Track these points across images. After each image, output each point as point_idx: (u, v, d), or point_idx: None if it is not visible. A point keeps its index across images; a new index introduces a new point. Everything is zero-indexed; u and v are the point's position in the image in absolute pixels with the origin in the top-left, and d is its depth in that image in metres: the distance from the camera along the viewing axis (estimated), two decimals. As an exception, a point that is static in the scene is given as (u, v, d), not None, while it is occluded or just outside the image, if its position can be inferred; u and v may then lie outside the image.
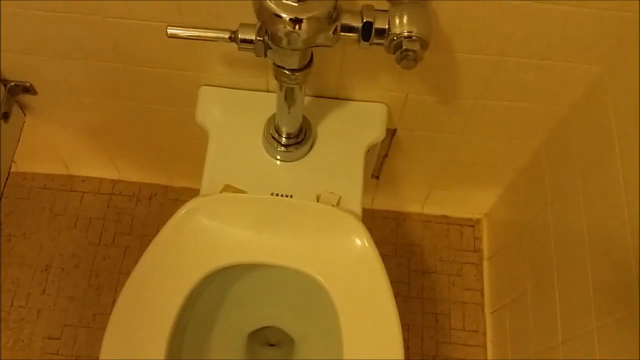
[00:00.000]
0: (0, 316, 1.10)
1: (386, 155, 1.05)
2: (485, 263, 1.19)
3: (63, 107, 0.99)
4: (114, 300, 1.12)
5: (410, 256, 1.19)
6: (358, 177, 0.82)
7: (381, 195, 1.18)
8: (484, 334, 1.13)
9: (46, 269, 1.15)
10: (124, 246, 1.17)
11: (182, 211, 0.78)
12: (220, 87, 0.88)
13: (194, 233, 0.77)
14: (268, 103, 0.85)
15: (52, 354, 1.08)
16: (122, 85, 0.91)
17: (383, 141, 0.96)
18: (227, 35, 0.65)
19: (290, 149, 0.81)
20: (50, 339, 1.09)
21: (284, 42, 0.60)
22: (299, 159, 0.83)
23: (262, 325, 0.92)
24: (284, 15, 0.57)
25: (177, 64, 0.84)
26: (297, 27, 0.57)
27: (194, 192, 0.79)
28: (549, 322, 0.87)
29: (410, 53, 0.60)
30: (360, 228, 0.76)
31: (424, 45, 0.61)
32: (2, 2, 0.75)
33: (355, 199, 0.80)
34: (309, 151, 0.83)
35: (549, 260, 0.89)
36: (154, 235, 0.77)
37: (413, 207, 1.23)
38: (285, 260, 0.76)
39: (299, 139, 0.82)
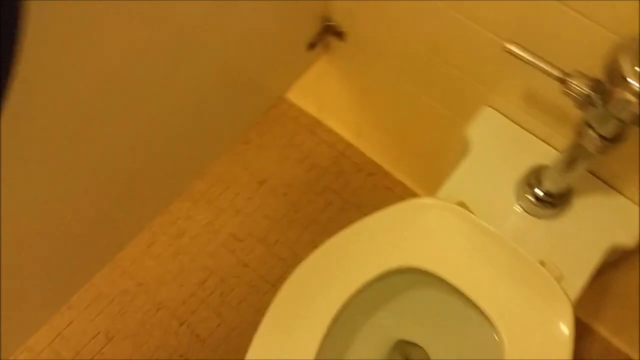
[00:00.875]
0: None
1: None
2: None
3: (356, 64, 1.07)
4: (297, 240, 1.22)
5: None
6: (588, 267, 0.79)
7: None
8: None
9: (261, 183, 1.27)
10: (328, 201, 1.25)
11: (416, 201, 0.81)
12: (502, 114, 0.89)
13: (414, 225, 0.80)
14: (539, 153, 0.84)
15: (229, 249, 1.20)
16: (417, 70, 0.96)
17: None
18: (558, 74, 0.65)
19: (539, 204, 0.80)
20: (234, 237, 1.21)
21: (615, 108, 0.60)
22: (540, 218, 0.82)
23: (411, 341, 0.93)
24: (633, 83, 0.56)
25: (477, 74, 0.87)
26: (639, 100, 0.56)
27: (408, 191, 0.82)
28: None
29: None
30: (569, 317, 0.73)
31: None
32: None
33: (574, 286, 0.77)
34: (554, 216, 0.82)
35: None
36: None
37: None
38: (481, 297, 0.76)
39: (553, 201, 0.80)
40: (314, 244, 1.22)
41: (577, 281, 0.78)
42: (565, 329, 0.73)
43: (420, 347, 0.96)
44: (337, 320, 0.78)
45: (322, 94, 1.26)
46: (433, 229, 0.81)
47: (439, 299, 0.88)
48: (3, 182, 0.64)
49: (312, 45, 1.04)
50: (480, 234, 0.80)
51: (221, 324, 1.13)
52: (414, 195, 1.24)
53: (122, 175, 0.90)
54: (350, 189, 1.27)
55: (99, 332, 1.12)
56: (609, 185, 0.84)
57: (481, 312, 0.77)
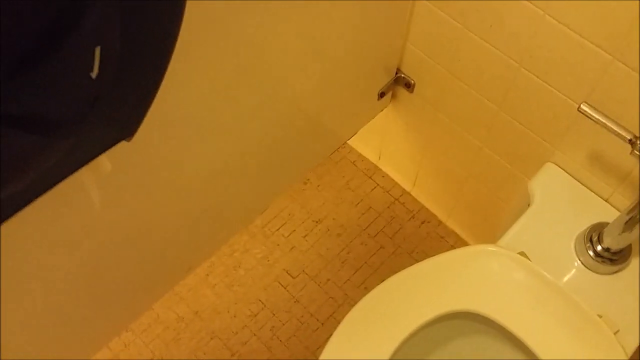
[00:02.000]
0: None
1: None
2: None
3: (420, 113, 1.12)
4: (348, 280, 1.25)
5: None
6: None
7: None
8: None
9: (317, 222, 1.31)
10: (380, 244, 1.29)
11: (477, 247, 0.84)
12: (566, 171, 0.92)
13: (474, 270, 0.82)
14: (600, 211, 0.87)
15: (281, 285, 1.24)
16: (482, 124, 1.01)
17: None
18: (628, 136, 0.69)
19: (599, 260, 0.82)
20: (287, 273, 1.25)
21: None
22: (599, 273, 0.83)
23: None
24: None
25: (544, 132, 0.90)
26: None
27: (461, 241, 0.84)
28: None
29: None
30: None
31: None
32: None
33: (630, 341, 0.78)
34: (613, 273, 0.83)
35: None
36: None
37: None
38: (537, 345, 0.78)
39: (613, 258, 0.82)
40: (364, 286, 1.25)
41: (633, 337, 0.79)
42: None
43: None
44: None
45: (382, 141, 1.31)
46: (493, 275, 0.83)
47: (493, 347, 0.89)
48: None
49: (382, 95, 1.10)
50: (539, 284, 0.82)
51: (270, 358, 1.16)
52: (466, 245, 1.26)
53: (194, 209, 0.95)
54: (402, 235, 1.30)
55: (153, 357, 1.16)
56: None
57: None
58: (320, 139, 1.10)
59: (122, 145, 0.52)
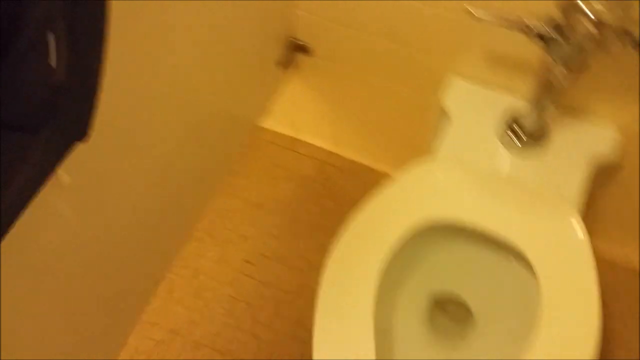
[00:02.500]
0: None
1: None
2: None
3: (324, 73, 1.17)
4: (307, 249, 1.28)
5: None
6: (582, 186, 0.89)
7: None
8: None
9: (257, 207, 1.33)
10: (324, 207, 1.33)
11: (417, 166, 0.90)
12: (469, 78, 1.00)
13: (426, 185, 0.88)
14: (511, 104, 0.96)
15: (246, 275, 1.25)
16: (381, 62, 1.07)
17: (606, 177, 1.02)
18: (519, 25, 0.76)
19: (523, 145, 0.91)
20: (247, 262, 1.26)
21: (576, 41, 0.71)
22: (528, 157, 0.92)
23: (446, 295, 1.00)
24: (589, 15, 0.68)
25: (437, 48, 0.98)
26: (597, 29, 0.68)
27: None
28: None
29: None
30: (580, 223, 0.83)
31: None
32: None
33: (576, 204, 0.88)
34: (539, 152, 0.92)
35: None
36: (351, 205, 0.90)
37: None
38: (506, 231, 0.85)
39: (535, 140, 0.91)
40: (323, 248, 1.28)
41: (577, 199, 0.88)
42: (581, 234, 0.82)
43: (458, 299, 1.03)
44: (381, 286, 0.84)
45: (293, 113, 1.35)
46: (440, 183, 0.89)
47: (466, 249, 0.97)
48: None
49: (282, 65, 1.13)
50: (485, 180, 0.89)
51: (260, 343, 1.17)
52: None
53: (130, 236, 0.94)
54: (341, 192, 1.35)
55: (145, 386, 1.14)
56: (579, 113, 0.96)
57: (507, 249, 0.86)
58: (230, 127, 1.12)
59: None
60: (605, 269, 1.24)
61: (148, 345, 1.17)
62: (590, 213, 1.18)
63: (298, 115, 1.35)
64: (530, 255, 0.83)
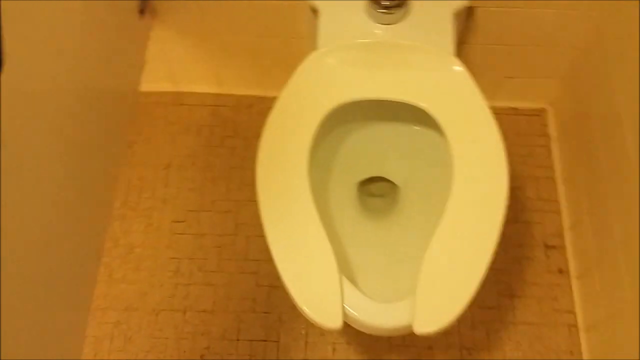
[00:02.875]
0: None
1: (462, 40, 1.19)
2: (553, 144, 1.32)
3: (189, 14, 1.16)
4: (229, 189, 1.30)
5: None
6: (450, 33, 0.97)
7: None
8: (557, 201, 1.26)
9: (167, 168, 1.32)
10: (231, 146, 1.34)
11: (306, 61, 0.94)
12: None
13: (323, 74, 0.92)
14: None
15: (179, 233, 1.25)
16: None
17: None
18: None
19: (389, 12, 0.97)
20: (176, 222, 1.27)
21: None
22: (398, 21, 0.98)
23: (371, 175, 1.07)
24: None
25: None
26: None
27: None
28: (628, 189, 0.98)
29: None
30: (456, 60, 0.91)
31: None
32: None
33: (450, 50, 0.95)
34: (403, 16, 0.98)
35: (620, 134, 1.00)
36: (256, 136, 0.93)
37: (484, 102, 1.36)
38: (394, 93, 0.91)
39: (398, 5, 0.97)
40: (243, 184, 1.31)
41: (448, 44, 0.96)
42: (468, 79, 0.91)
43: (383, 176, 1.10)
44: (313, 178, 0.89)
45: (168, 67, 1.33)
46: (336, 68, 0.94)
47: (378, 125, 1.03)
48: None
49: (142, 12, 1.11)
50: (369, 54, 0.94)
51: (215, 289, 1.19)
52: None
53: (51, 235, 0.91)
54: (242, 128, 1.37)
55: (119, 369, 1.13)
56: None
57: (413, 114, 0.93)
58: (115, 98, 1.09)
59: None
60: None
61: (107, 329, 1.16)
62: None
63: (173, 67, 1.34)
64: (433, 111, 0.90)
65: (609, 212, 1.04)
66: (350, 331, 0.98)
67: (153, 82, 1.39)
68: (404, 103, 0.92)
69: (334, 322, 0.76)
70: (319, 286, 0.79)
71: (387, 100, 0.93)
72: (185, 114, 1.38)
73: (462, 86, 0.90)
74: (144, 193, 1.30)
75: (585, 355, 1.12)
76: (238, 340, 1.15)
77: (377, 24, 0.98)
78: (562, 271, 1.20)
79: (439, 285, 0.78)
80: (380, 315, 0.78)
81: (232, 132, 1.36)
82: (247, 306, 1.18)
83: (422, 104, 0.91)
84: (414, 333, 0.76)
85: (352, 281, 0.90)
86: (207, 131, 1.37)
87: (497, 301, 1.17)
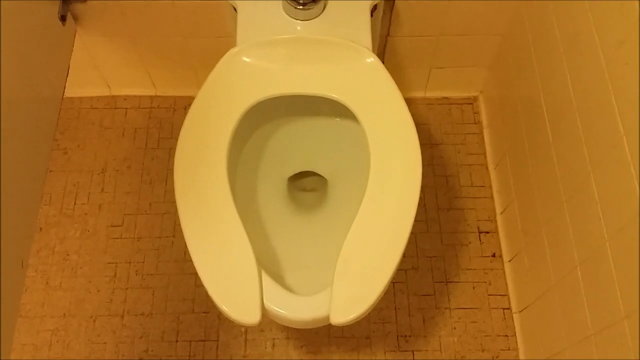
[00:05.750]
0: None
1: (388, 34, 1.21)
2: (485, 131, 1.34)
3: (110, 15, 1.15)
4: (166, 191, 1.29)
5: (418, 132, 1.35)
6: (366, 27, 0.98)
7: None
8: (490, 187, 1.28)
9: (102, 172, 1.31)
10: (168, 148, 1.34)
11: (224, 59, 0.94)
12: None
13: (239, 71, 0.93)
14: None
15: (116, 238, 1.25)
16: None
17: (383, 18, 1.12)
18: None
19: (305, 7, 0.98)
20: (113, 226, 1.26)
21: None
22: (315, 16, 0.99)
23: (299, 170, 1.07)
24: None
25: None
26: None
27: None
28: (548, 170, 1.00)
29: None
30: (369, 52, 0.92)
31: None
32: None
33: (366, 43, 0.97)
34: (322, 10, 0.99)
35: (541, 115, 1.03)
36: None
37: (416, 93, 1.39)
38: (310, 88, 0.92)
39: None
40: (181, 185, 1.31)
41: (366, 39, 0.97)
42: (382, 70, 0.92)
43: (312, 173, 1.11)
44: (236, 178, 0.89)
45: (99, 71, 1.32)
46: (255, 66, 0.94)
47: (301, 121, 1.04)
48: None
49: (63, 18, 1.10)
50: (286, 50, 0.95)
51: (155, 291, 1.19)
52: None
53: None
54: (179, 128, 1.35)
55: (57, 377, 1.12)
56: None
57: (333, 108, 0.94)
58: (36, 104, 1.07)
59: None
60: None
61: (45, 337, 1.15)
62: (389, 63, 1.30)
63: (104, 71, 1.33)
64: (346, 101, 0.91)
65: (534, 195, 1.07)
66: (289, 327, 0.99)
67: (86, 87, 1.38)
68: (323, 97, 0.93)
69: (250, 317, 0.77)
70: (236, 282, 0.79)
71: (305, 95, 0.94)
72: (121, 118, 1.38)
73: (375, 76, 0.92)
74: (80, 199, 1.29)
75: (519, 337, 1.14)
76: (177, 341, 1.15)
77: (295, 20, 0.98)
78: (496, 255, 1.23)
79: (355, 275, 0.79)
80: (298, 308, 0.79)
81: (168, 134, 1.36)
82: (186, 307, 1.18)
83: (335, 96, 0.92)
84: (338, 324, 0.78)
85: (280, 276, 0.91)
86: (143, 133, 1.36)
87: (433, 288, 1.19)
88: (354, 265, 0.80)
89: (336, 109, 0.95)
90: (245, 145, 1.03)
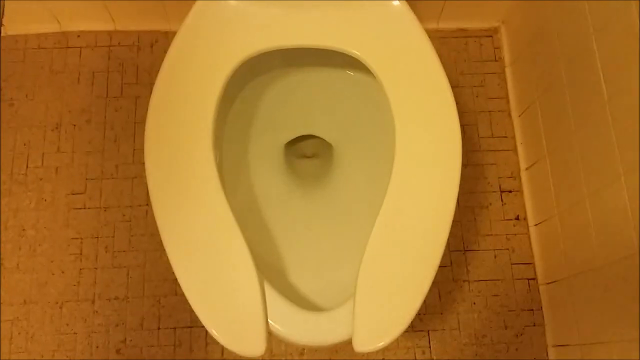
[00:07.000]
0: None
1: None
2: (507, 70, 1.15)
3: None
4: (135, 149, 1.09)
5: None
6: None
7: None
8: (513, 137, 1.11)
9: (57, 128, 1.10)
10: (133, 96, 1.12)
11: (199, 5, 0.72)
12: None
13: (224, 19, 0.72)
14: None
15: (78, 208, 1.06)
16: None
17: None
18: None
19: None
20: (74, 194, 1.07)
21: None
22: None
23: (299, 134, 0.88)
24: None
25: None
26: None
27: None
28: (598, 122, 0.83)
29: None
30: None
31: None
32: None
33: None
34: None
35: (590, 51, 0.84)
36: None
37: (428, 24, 1.17)
38: (319, 39, 0.72)
39: None
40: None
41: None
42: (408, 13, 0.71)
43: (313, 138, 0.92)
44: (223, 143, 0.71)
45: (45, 4, 1.07)
46: (250, 8, 0.73)
47: (302, 78, 0.84)
48: None
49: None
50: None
51: (129, 271, 1.02)
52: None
53: None
54: (145, 71, 1.14)
55: (23, 372, 0.98)
56: None
57: (339, 60, 0.74)
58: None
59: None
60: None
61: (4, 328, 0.99)
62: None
63: (51, 1, 1.08)
64: (367, 58, 0.71)
65: (572, 150, 0.91)
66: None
67: (30, 22, 1.13)
68: (335, 50, 0.73)
69: (253, 349, 0.61)
70: (234, 301, 0.63)
71: (311, 47, 0.73)
72: (74, 59, 1.14)
73: (403, 27, 0.71)
74: (32, 162, 1.08)
75: (546, 312, 1.02)
76: (159, 328, 1.00)
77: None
78: (519, 218, 1.08)
79: (382, 293, 0.63)
80: (312, 329, 0.64)
81: (133, 79, 1.13)
82: (168, 288, 1.02)
83: (352, 50, 0.72)
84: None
85: (283, 276, 0.75)
86: (102, 78, 1.13)
87: (449, 258, 1.05)
88: (379, 279, 0.63)
89: (347, 60, 0.75)
90: (232, 105, 0.83)
